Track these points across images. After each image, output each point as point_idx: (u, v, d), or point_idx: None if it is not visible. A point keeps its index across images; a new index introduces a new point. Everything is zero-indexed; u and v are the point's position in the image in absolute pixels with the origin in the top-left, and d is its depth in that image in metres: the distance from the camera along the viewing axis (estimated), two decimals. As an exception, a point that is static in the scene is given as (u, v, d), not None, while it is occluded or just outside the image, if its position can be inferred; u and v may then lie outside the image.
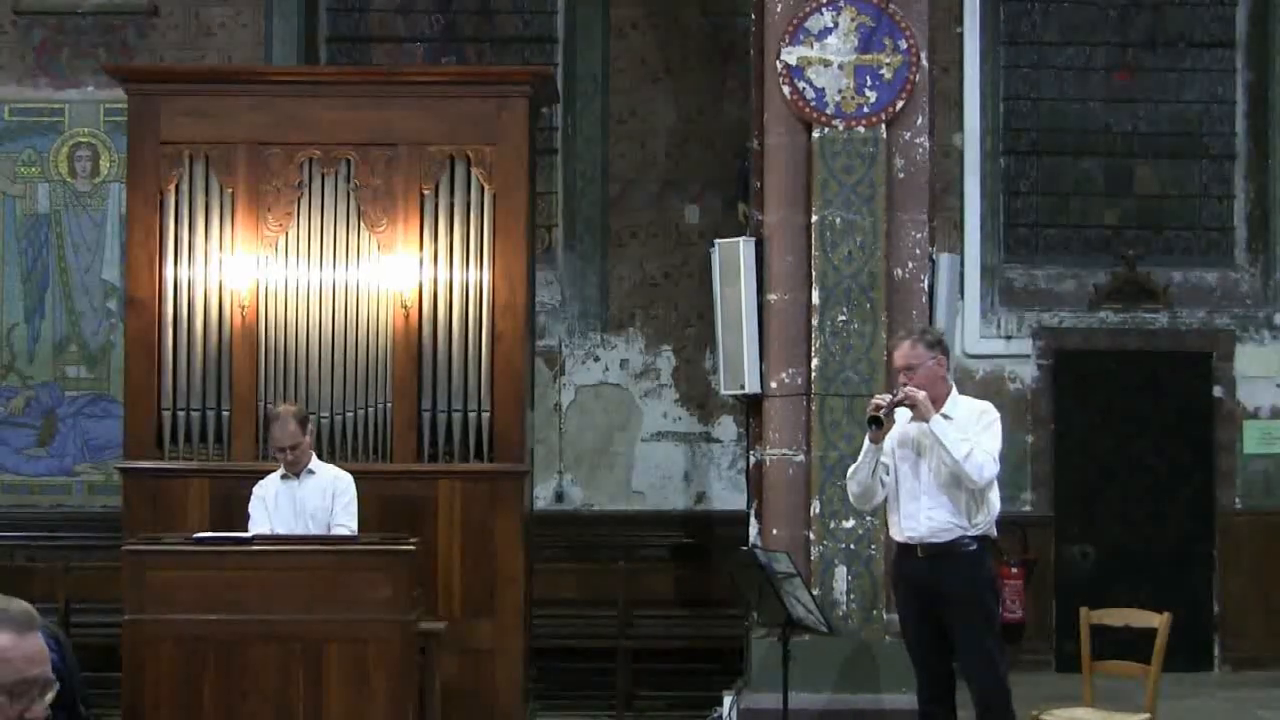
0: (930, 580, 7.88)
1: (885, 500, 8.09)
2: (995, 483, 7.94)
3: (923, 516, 7.87)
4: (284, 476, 9.34)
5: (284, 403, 9.89)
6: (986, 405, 8.05)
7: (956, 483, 7.77)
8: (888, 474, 7.96)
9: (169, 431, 10.38)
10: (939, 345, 8.03)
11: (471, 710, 10.06)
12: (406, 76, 11.12)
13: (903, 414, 7.98)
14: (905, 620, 8.18)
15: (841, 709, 9.58)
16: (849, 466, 9.39)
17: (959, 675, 8.03)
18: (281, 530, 9.21)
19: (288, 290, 10.47)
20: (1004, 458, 8.10)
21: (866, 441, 7.94)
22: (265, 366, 10.42)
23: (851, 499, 8.38)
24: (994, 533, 8.02)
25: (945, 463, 7.75)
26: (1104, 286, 13.50)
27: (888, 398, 7.94)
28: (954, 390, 8.04)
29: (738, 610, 10.59)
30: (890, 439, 7.96)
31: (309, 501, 9.29)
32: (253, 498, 9.34)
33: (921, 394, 7.81)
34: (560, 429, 13.33)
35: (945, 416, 7.83)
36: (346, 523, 9.24)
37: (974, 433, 7.80)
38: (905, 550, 8.01)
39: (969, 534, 7.83)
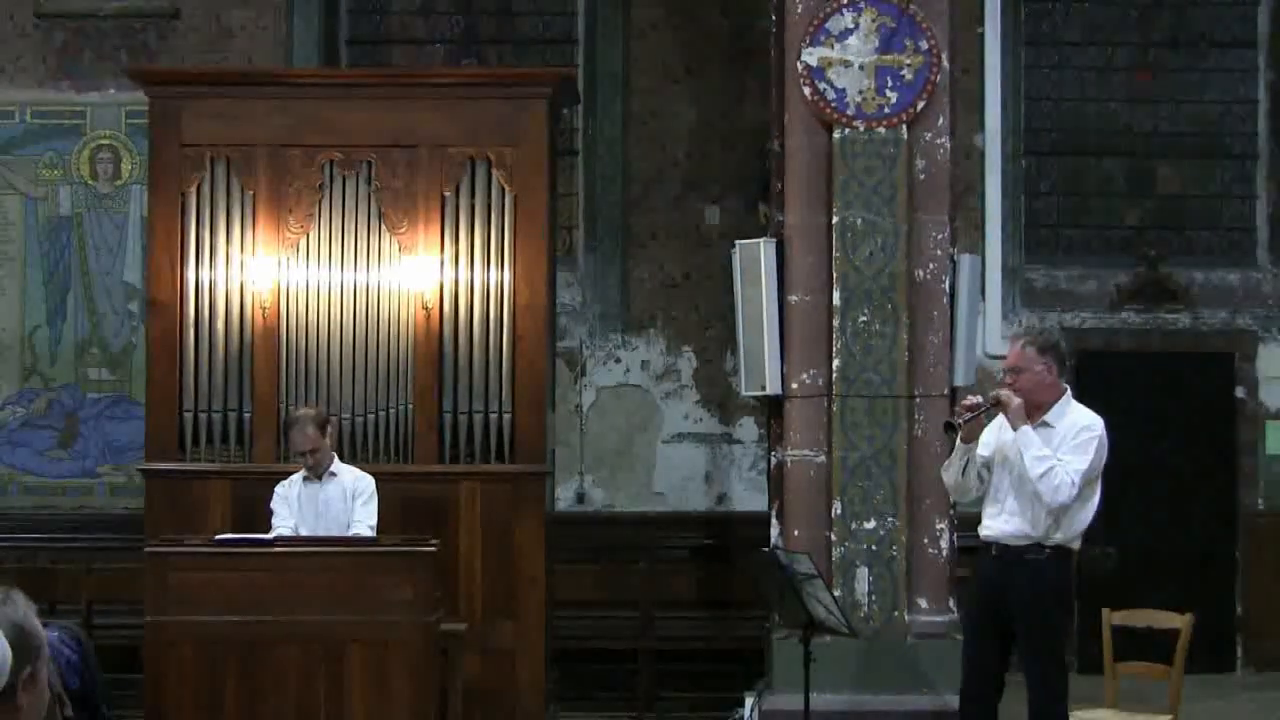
0: (998, 582, 7.82)
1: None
2: (1095, 495, 7.82)
3: (1002, 519, 7.80)
4: (306, 478, 9.36)
5: (304, 406, 9.92)
6: (1092, 421, 7.81)
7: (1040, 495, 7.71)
8: (988, 469, 7.87)
9: (190, 433, 10.41)
10: (1051, 351, 7.86)
11: (493, 711, 10.07)
12: (427, 78, 11.13)
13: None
14: (968, 618, 8.15)
15: (863, 710, 9.57)
16: (868, 467, 9.38)
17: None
18: (304, 531, 9.23)
19: (309, 292, 10.49)
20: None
21: (957, 440, 7.89)
22: (286, 368, 10.44)
23: (948, 490, 8.37)
24: (1076, 546, 7.87)
25: (1024, 476, 7.69)
26: (1125, 287, 13.47)
27: (976, 400, 7.86)
28: (1066, 397, 7.85)
29: (759, 611, 10.58)
30: (993, 430, 7.87)
31: (331, 503, 9.31)
32: (275, 497, 9.36)
33: (1015, 401, 7.68)
34: (581, 430, 13.33)
35: (1046, 424, 7.72)
36: (365, 520, 9.24)
37: (1066, 449, 7.68)
38: (982, 548, 7.97)
39: (1045, 544, 7.75)
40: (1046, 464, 7.59)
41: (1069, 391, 7.92)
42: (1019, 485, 7.73)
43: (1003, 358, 13.10)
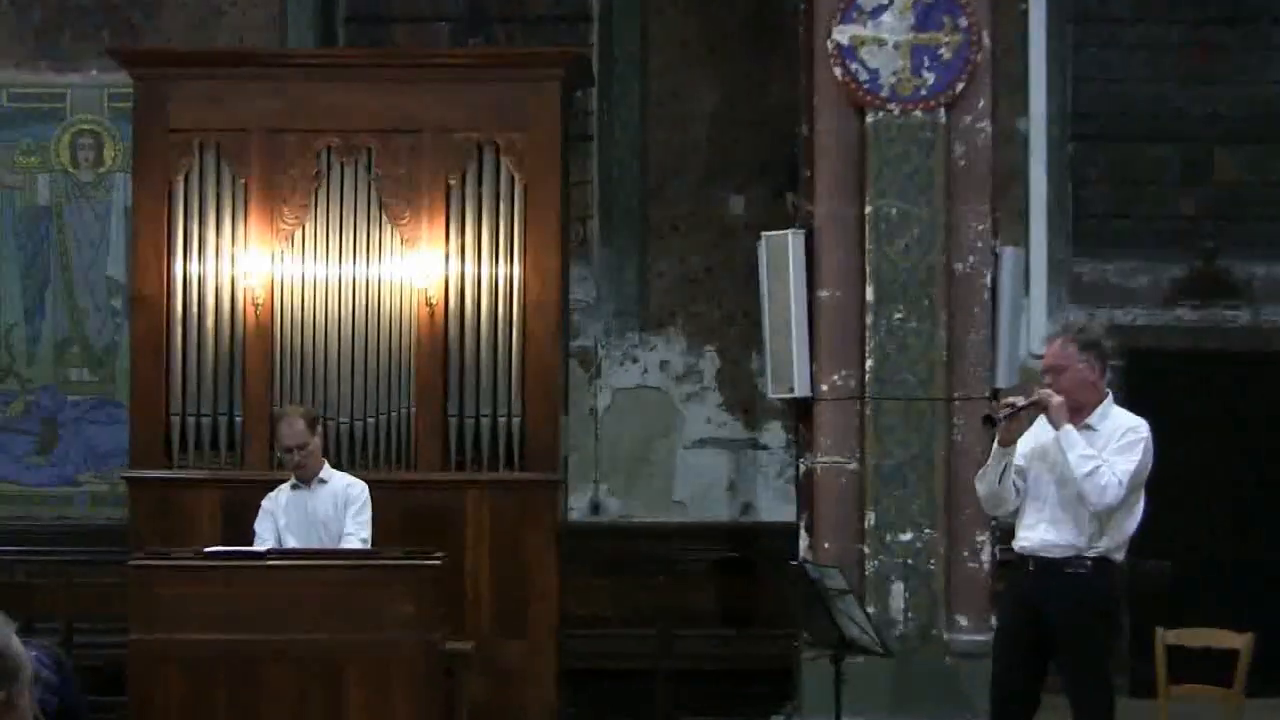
0: (1036, 600, 7.79)
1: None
2: (1140, 503, 7.80)
3: (1040, 528, 7.76)
4: (294, 486, 9.37)
5: (292, 403, 9.96)
6: (1138, 423, 7.79)
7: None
8: (1023, 480, 7.84)
9: (178, 438, 10.45)
10: (1094, 348, 7.83)
11: (501, 736, 10.10)
12: (431, 59, 11.18)
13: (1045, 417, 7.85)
14: (999, 634, 8.14)
15: (898, 735, 9.60)
16: (904, 475, 9.34)
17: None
18: (293, 544, 9.23)
19: (304, 287, 10.52)
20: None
21: (994, 443, 7.87)
22: (280, 369, 10.48)
23: (981, 502, 8.33)
24: (1119, 557, 7.82)
25: (1069, 477, 7.67)
26: (1180, 282, 13.44)
27: (1018, 400, 7.85)
28: (1108, 401, 7.83)
29: (786, 629, 10.59)
30: (1029, 439, 7.87)
31: (320, 512, 9.30)
32: (260, 511, 9.36)
33: (1057, 399, 7.66)
34: (596, 435, 13.34)
35: (1089, 427, 7.70)
36: (357, 533, 9.24)
37: (1111, 451, 7.65)
38: (1019, 562, 7.96)
39: (1087, 555, 7.73)
40: (1093, 463, 7.58)
41: (1110, 395, 7.91)
42: (1061, 489, 7.72)
43: (1048, 357, 13.18)
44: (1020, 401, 7.79)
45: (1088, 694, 7.80)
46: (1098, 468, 7.57)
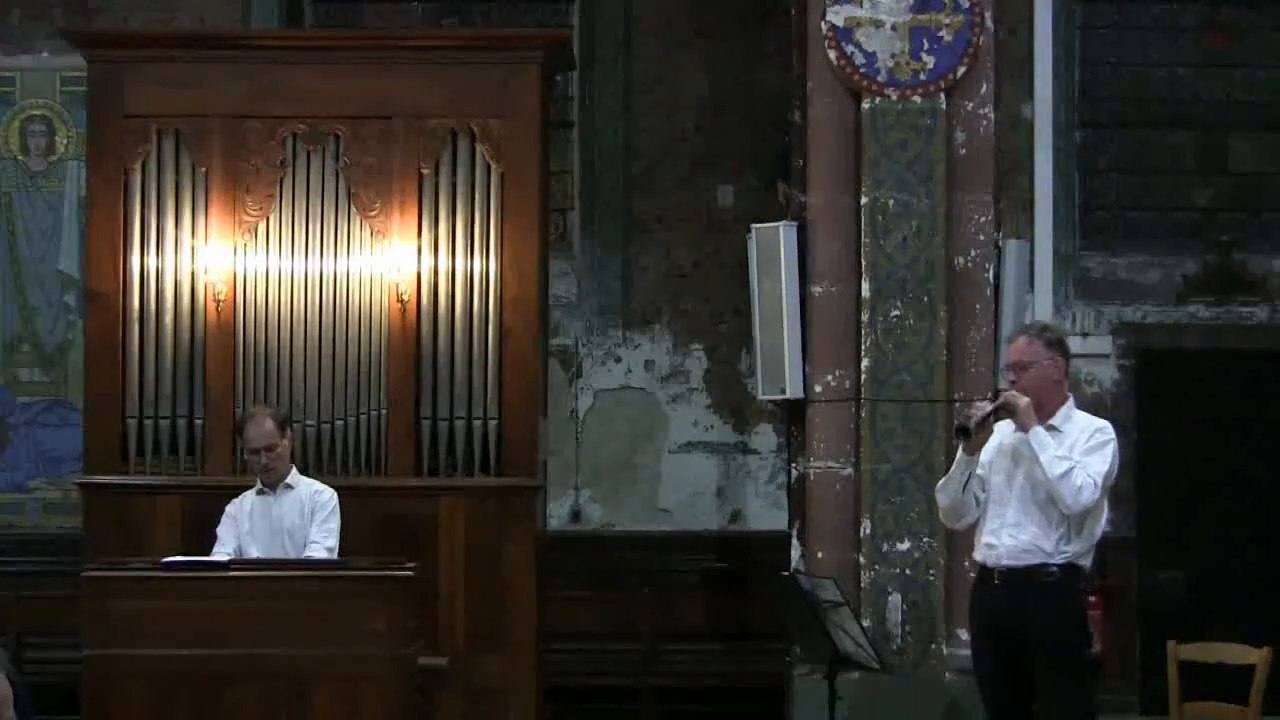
0: (1007, 614, 7.83)
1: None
2: (1104, 508, 7.88)
3: (1005, 533, 7.82)
4: (260, 493, 9.40)
5: (261, 403, 9.98)
6: (1103, 424, 7.93)
7: (1053, 500, 7.75)
8: (983, 490, 7.93)
9: (135, 442, 10.44)
10: (1059, 346, 7.94)
11: (477, 757, 10.13)
12: (403, 41, 11.17)
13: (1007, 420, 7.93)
14: (976, 654, 8.18)
15: (896, 755, 9.64)
16: (902, 481, 9.35)
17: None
18: (257, 553, 9.25)
19: (269, 282, 10.52)
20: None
21: (959, 451, 7.93)
22: (243, 368, 10.48)
23: (940, 515, 8.34)
24: (1086, 563, 7.89)
25: (1040, 479, 7.74)
26: (1194, 277, 13.47)
27: (985, 407, 7.92)
28: (1070, 403, 7.94)
29: (778, 644, 10.63)
30: (988, 447, 7.95)
31: (285, 519, 9.33)
32: (224, 517, 9.39)
33: (1024, 401, 7.75)
34: (577, 439, 13.37)
35: (1054, 428, 7.78)
36: (323, 541, 9.26)
37: (1080, 452, 7.75)
38: (983, 576, 8.01)
39: (1053, 561, 7.78)
40: (1066, 464, 7.66)
41: (1072, 398, 7.98)
42: (1028, 492, 7.77)
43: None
44: (988, 407, 7.88)
45: (1067, 705, 7.85)
46: (1071, 469, 7.66)
